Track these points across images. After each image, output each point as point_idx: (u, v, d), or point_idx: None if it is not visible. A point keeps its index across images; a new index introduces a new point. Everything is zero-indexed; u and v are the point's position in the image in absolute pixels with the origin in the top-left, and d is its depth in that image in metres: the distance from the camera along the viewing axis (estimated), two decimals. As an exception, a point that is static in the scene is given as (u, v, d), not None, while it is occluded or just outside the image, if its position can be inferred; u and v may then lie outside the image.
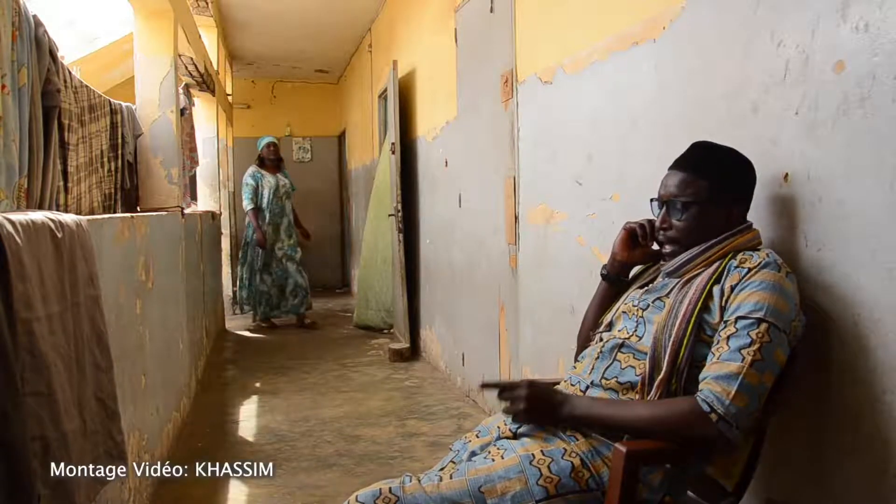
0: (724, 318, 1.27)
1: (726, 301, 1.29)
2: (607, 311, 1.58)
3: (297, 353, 5.28)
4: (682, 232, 1.42)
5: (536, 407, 1.36)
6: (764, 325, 1.22)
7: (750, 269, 1.29)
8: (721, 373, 1.21)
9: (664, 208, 1.46)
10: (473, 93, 3.67)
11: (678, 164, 1.46)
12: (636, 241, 1.58)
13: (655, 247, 1.55)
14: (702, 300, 1.31)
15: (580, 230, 2.44)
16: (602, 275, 1.65)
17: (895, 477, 1.21)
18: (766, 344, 1.21)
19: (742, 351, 1.21)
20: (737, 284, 1.29)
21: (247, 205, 6.06)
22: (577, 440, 1.35)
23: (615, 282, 1.62)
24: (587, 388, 1.42)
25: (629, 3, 2.11)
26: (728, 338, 1.24)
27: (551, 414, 1.36)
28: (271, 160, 6.23)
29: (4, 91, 1.71)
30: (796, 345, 1.29)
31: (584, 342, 1.61)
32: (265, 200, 6.08)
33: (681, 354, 1.30)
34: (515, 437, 1.42)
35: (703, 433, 1.20)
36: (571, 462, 1.29)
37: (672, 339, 1.31)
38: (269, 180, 6.13)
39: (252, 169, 6.20)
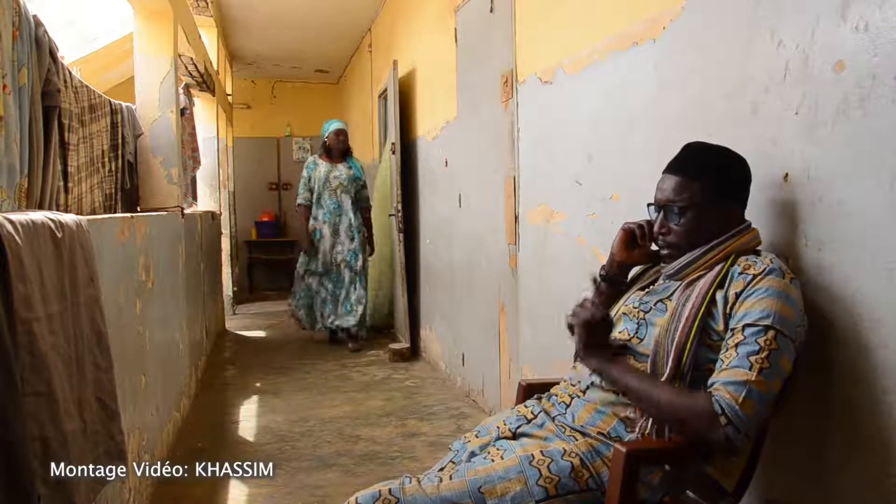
0: (731, 326, 1.27)
1: (731, 308, 1.29)
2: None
3: (297, 353, 5.27)
4: (681, 236, 1.42)
5: (582, 335, 1.40)
6: (772, 333, 1.22)
7: (755, 276, 1.29)
8: (731, 379, 1.21)
9: (661, 213, 1.45)
10: (473, 93, 3.67)
11: (671, 168, 1.45)
12: (635, 241, 1.57)
13: (654, 247, 1.55)
14: (705, 304, 1.31)
15: (580, 230, 2.44)
16: (600, 276, 1.64)
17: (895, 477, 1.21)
18: (774, 351, 1.21)
19: (750, 358, 1.21)
20: (742, 291, 1.28)
21: (298, 200, 5.37)
22: (577, 440, 1.35)
23: (614, 283, 1.62)
24: (587, 388, 1.42)
25: (629, 3, 2.11)
26: (736, 345, 1.24)
27: (585, 349, 1.40)
28: (339, 150, 5.36)
29: (5, 91, 1.71)
30: (801, 350, 1.29)
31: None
32: (314, 194, 5.30)
33: (684, 358, 1.30)
34: (515, 437, 1.42)
35: (709, 433, 1.20)
36: (571, 462, 1.30)
37: (675, 342, 1.31)
38: (321, 170, 5.27)
39: (310, 158, 5.43)
